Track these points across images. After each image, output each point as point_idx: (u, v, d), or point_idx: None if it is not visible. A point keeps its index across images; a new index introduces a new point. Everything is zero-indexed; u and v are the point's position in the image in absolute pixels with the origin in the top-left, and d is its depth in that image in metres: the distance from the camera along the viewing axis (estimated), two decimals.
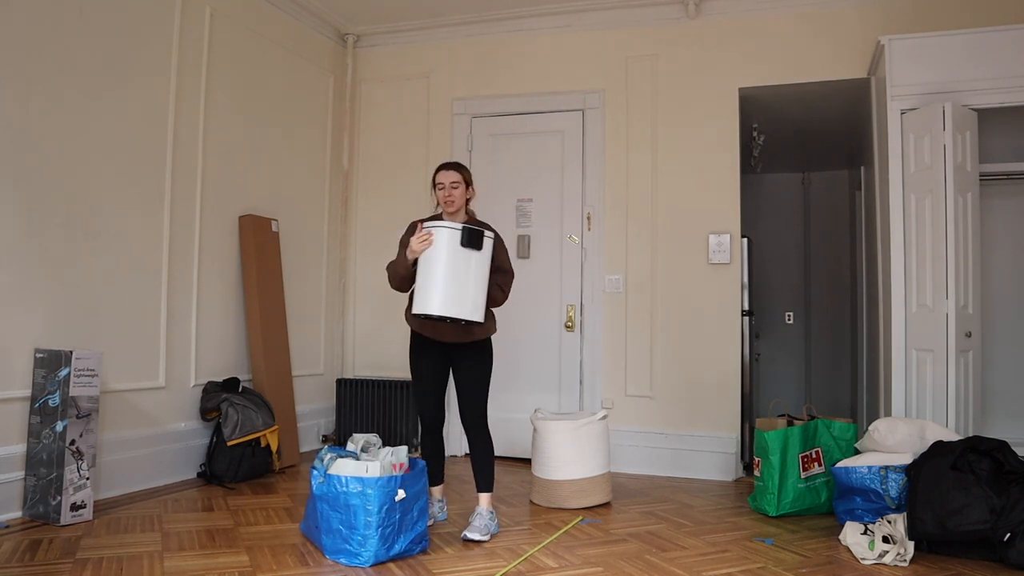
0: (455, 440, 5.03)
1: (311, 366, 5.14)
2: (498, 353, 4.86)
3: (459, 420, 3.32)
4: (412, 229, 3.17)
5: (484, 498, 3.26)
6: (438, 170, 3.28)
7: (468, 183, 3.26)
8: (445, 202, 3.22)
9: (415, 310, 3.03)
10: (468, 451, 3.38)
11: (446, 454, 4.93)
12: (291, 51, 4.96)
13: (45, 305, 3.39)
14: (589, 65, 4.96)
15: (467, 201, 3.30)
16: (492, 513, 3.25)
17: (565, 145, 5.00)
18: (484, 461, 3.27)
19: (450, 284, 2.95)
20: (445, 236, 2.96)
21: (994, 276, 4.30)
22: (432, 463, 3.32)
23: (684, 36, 4.78)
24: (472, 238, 2.97)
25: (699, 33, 4.75)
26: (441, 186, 3.22)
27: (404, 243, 3.19)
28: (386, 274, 3.32)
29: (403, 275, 3.15)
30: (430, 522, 3.22)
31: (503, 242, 3.27)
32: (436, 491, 3.41)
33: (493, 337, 3.35)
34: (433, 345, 3.26)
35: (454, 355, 3.27)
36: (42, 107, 3.36)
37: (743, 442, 4.66)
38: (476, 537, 3.10)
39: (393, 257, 3.31)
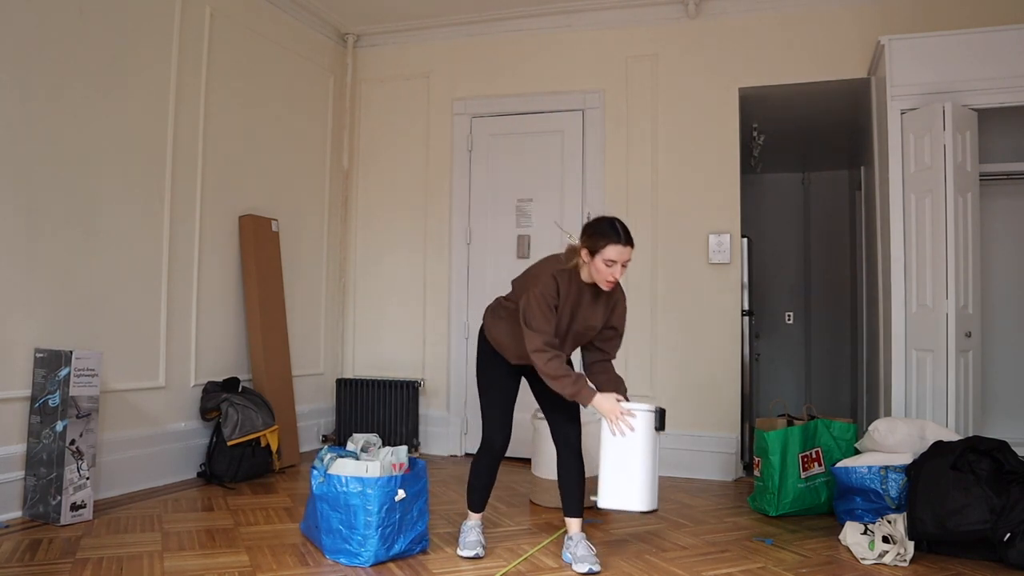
0: (453, 439, 5.04)
1: (311, 366, 5.14)
2: None
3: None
4: (553, 285, 2.72)
5: (577, 523, 2.90)
6: (609, 241, 2.67)
7: None
8: (607, 282, 2.72)
9: (604, 503, 2.72)
10: (558, 472, 2.98)
11: (451, 453, 5.01)
12: (291, 51, 4.96)
13: (45, 305, 3.38)
14: (589, 65, 4.96)
15: None
16: (584, 536, 2.91)
17: (565, 145, 5.00)
18: (581, 482, 2.93)
19: (648, 476, 2.68)
20: (644, 422, 2.67)
21: (994, 276, 4.30)
22: (486, 487, 3.00)
23: (684, 36, 4.78)
24: (663, 420, 2.72)
25: (699, 33, 4.75)
26: (611, 263, 2.68)
27: (545, 297, 2.71)
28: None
29: (571, 395, 2.72)
30: (471, 554, 2.91)
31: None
32: (478, 518, 3.03)
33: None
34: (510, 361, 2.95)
35: (533, 372, 2.95)
36: (42, 108, 3.36)
37: (743, 442, 4.66)
38: (597, 567, 2.76)
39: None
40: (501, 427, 2.94)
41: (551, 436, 3.00)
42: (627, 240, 2.70)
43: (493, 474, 3.01)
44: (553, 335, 2.74)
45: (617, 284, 2.82)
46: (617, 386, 2.90)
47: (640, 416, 2.69)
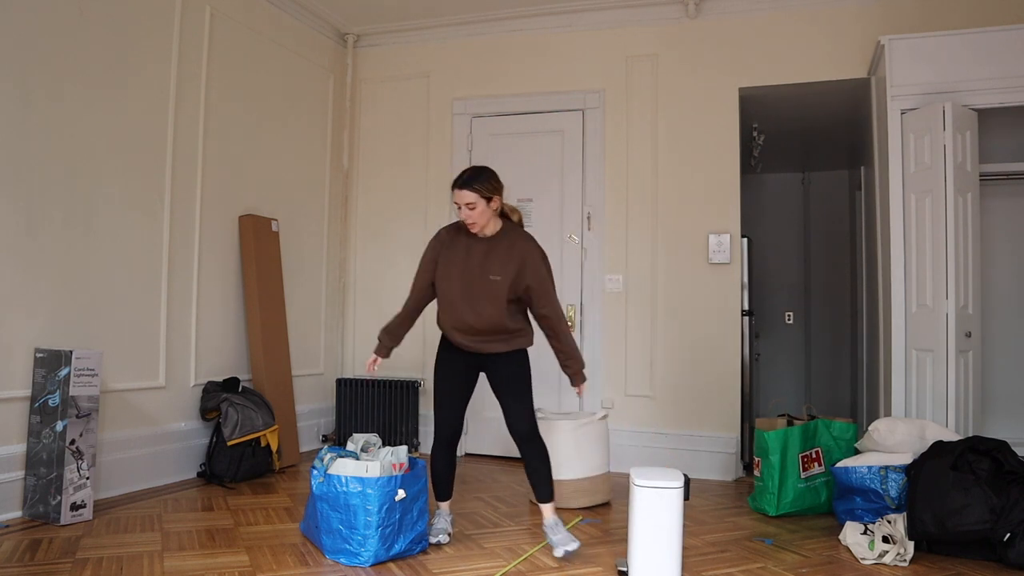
0: None
1: (311, 366, 5.14)
2: None
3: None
4: (435, 239, 3.06)
5: (549, 508, 3.06)
6: (452, 186, 2.97)
7: (488, 197, 2.93)
8: (468, 224, 2.96)
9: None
10: (523, 460, 3.14)
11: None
12: (291, 51, 4.96)
13: (45, 305, 3.38)
14: (589, 65, 4.97)
15: (500, 210, 3.05)
16: (561, 521, 3.07)
17: (565, 145, 5.00)
18: (543, 471, 3.07)
19: (679, 549, 2.66)
20: (676, 500, 2.65)
21: (994, 276, 4.30)
22: (443, 478, 3.14)
23: (684, 36, 4.78)
24: (688, 489, 2.72)
25: (699, 33, 4.75)
26: (457, 206, 2.95)
27: (425, 252, 3.09)
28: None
29: None
30: (434, 540, 3.03)
31: (544, 258, 3.06)
32: (445, 506, 3.19)
33: None
34: (466, 353, 3.08)
35: (488, 364, 3.09)
36: (43, 109, 3.36)
37: (743, 442, 4.66)
38: (573, 547, 2.91)
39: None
40: (444, 421, 3.11)
41: (510, 434, 3.11)
42: (460, 184, 2.92)
43: (448, 463, 3.15)
44: (415, 298, 3.15)
45: (526, 237, 3.05)
46: (570, 363, 3.10)
47: (673, 494, 2.66)
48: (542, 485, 3.07)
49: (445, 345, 3.16)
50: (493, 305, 2.97)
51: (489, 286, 2.96)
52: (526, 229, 5.04)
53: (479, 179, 2.92)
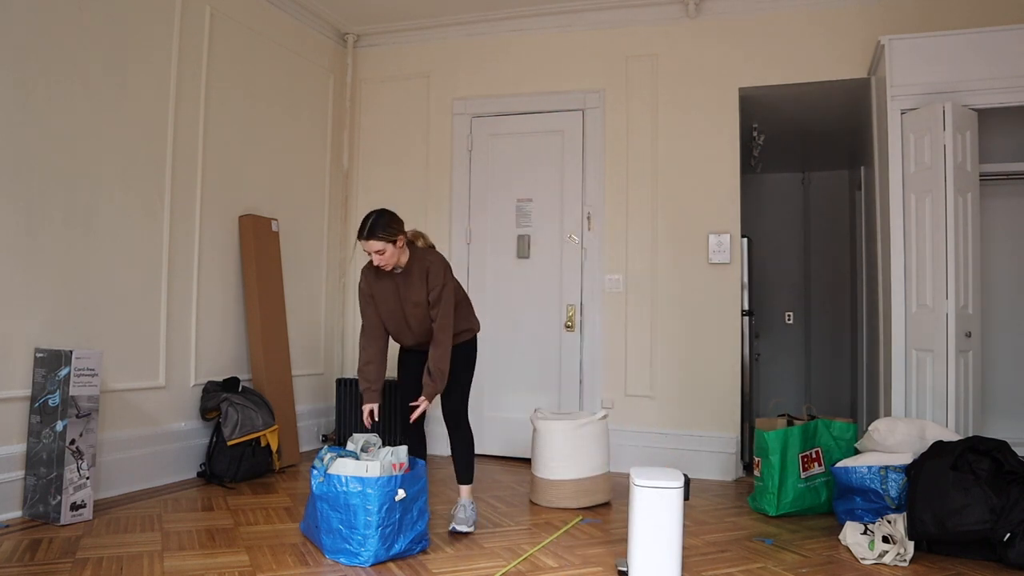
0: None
1: (311, 366, 5.14)
2: (498, 353, 4.91)
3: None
4: (363, 280, 3.24)
5: (465, 490, 3.30)
6: (357, 237, 3.12)
7: (393, 240, 3.07)
8: (382, 267, 3.14)
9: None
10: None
11: (441, 452, 5.01)
12: (291, 51, 4.96)
13: (45, 305, 3.39)
14: (589, 65, 4.97)
15: (411, 243, 3.22)
16: (473, 504, 3.29)
17: (565, 145, 5.00)
18: (462, 454, 3.32)
19: (679, 548, 2.67)
20: (676, 499, 2.64)
21: (994, 276, 4.30)
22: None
23: (684, 36, 4.78)
24: (688, 489, 2.72)
25: (699, 33, 4.75)
26: (368, 253, 3.12)
27: (359, 295, 3.29)
28: None
29: None
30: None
31: (443, 268, 3.18)
32: None
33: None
34: (418, 352, 3.33)
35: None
36: (42, 109, 3.36)
37: (743, 442, 4.66)
38: (464, 529, 3.16)
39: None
40: (408, 400, 3.33)
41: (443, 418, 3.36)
42: (365, 236, 3.06)
43: (417, 443, 3.39)
44: (370, 324, 3.26)
45: (429, 259, 3.18)
46: (432, 376, 3.15)
47: (673, 494, 2.65)
48: (462, 468, 3.32)
49: (402, 346, 3.42)
50: (423, 324, 3.22)
51: (414, 311, 3.19)
52: (526, 230, 5.11)
53: (380, 227, 3.06)
